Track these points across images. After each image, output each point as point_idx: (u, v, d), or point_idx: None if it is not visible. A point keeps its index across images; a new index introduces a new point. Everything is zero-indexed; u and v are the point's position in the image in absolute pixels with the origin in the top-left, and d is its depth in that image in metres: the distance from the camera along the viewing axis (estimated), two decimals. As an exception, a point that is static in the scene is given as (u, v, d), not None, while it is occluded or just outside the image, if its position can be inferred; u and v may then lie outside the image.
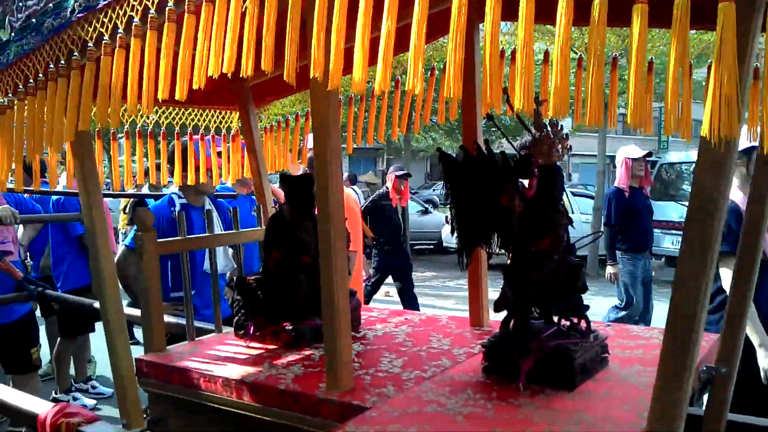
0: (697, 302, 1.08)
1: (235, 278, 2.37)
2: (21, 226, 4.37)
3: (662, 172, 12.25)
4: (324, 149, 1.65)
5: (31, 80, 1.80)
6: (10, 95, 1.95)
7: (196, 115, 2.91)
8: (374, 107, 2.72)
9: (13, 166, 2.02)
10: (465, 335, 2.23)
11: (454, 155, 1.92)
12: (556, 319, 1.78)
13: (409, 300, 6.84)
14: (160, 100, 1.39)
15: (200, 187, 3.21)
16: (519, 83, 1.07)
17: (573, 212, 11.89)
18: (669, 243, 10.90)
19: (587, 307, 1.76)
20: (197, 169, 2.90)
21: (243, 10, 1.24)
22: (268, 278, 2.25)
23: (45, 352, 4.50)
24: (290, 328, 2.14)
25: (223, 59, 1.23)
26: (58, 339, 4.98)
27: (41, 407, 1.97)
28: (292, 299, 2.18)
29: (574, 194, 13.03)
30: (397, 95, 2.56)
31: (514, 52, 2.27)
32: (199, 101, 2.88)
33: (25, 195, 4.16)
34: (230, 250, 3.43)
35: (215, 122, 3.01)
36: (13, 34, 1.84)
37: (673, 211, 10.88)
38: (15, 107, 1.92)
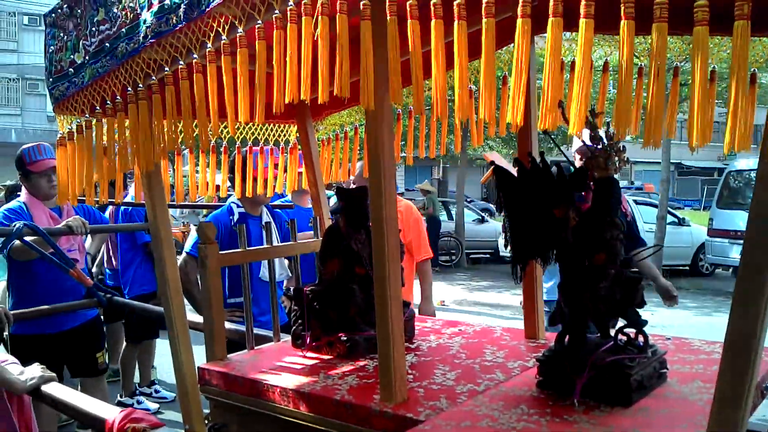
0: (757, 319, 1.05)
1: (292, 288, 2.43)
2: (89, 236, 4.57)
3: (729, 180, 11.84)
4: (378, 163, 1.67)
5: (108, 101, 1.90)
6: (86, 115, 2.05)
7: (256, 129, 2.99)
8: (434, 119, 2.72)
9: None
10: (520, 348, 2.22)
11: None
12: (613, 333, 1.75)
13: None
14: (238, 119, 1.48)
15: (256, 197, 3.30)
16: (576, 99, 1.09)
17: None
18: (736, 253, 10.53)
19: (645, 322, 1.73)
20: (255, 179, 2.98)
21: (315, 37, 1.30)
22: (323, 289, 2.29)
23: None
24: (345, 338, 2.17)
25: (299, 85, 1.30)
26: (124, 343, 5.17)
27: (109, 412, 2.06)
28: (346, 310, 2.22)
29: (637, 203, 12.71)
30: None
31: (572, 64, 2.26)
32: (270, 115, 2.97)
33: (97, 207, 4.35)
34: (286, 261, 3.50)
35: (274, 135, 3.09)
36: (87, 57, 1.94)
37: (741, 219, 10.50)
38: (93, 127, 2.03)
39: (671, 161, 12.62)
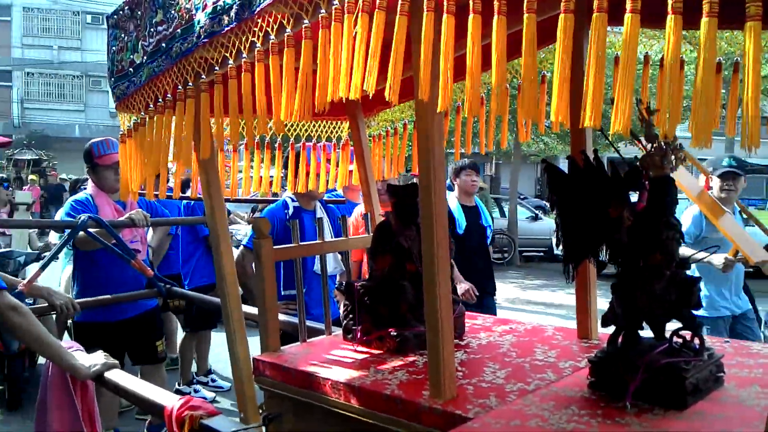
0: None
1: (344, 283, 2.46)
2: (150, 229, 4.72)
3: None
4: (428, 160, 1.68)
5: (161, 99, 1.96)
6: (142, 113, 2.13)
7: (309, 126, 3.04)
8: (482, 114, 2.71)
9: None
10: (572, 348, 2.19)
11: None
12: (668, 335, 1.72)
13: None
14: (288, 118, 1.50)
15: (310, 192, 3.35)
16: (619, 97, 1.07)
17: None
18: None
19: (701, 324, 1.69)
20: (308, 174, 3.02)
21: (354, 33, 1.31)
22: (374, 285, 2.31)
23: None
24: (395, 334, 2.19)
25: (349, 83, 1.31)
26: (183, 333, 5.33)
27: (169, 400, 2.14)
28: (397, 306, 2.23)
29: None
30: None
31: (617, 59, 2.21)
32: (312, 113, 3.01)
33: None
34: (339, 255, 3.55)
35: (326, 132, 3.13)
36: (145, 57, 2.01)
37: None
38: (147, 125, 2.10)
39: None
